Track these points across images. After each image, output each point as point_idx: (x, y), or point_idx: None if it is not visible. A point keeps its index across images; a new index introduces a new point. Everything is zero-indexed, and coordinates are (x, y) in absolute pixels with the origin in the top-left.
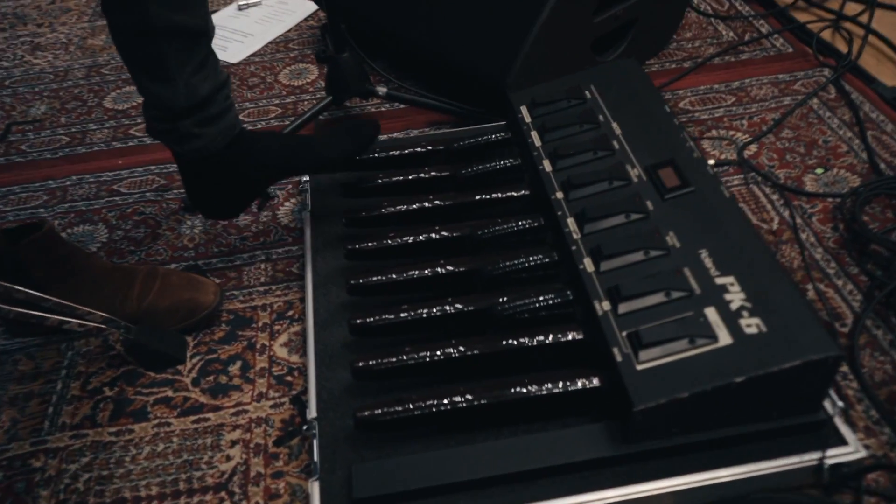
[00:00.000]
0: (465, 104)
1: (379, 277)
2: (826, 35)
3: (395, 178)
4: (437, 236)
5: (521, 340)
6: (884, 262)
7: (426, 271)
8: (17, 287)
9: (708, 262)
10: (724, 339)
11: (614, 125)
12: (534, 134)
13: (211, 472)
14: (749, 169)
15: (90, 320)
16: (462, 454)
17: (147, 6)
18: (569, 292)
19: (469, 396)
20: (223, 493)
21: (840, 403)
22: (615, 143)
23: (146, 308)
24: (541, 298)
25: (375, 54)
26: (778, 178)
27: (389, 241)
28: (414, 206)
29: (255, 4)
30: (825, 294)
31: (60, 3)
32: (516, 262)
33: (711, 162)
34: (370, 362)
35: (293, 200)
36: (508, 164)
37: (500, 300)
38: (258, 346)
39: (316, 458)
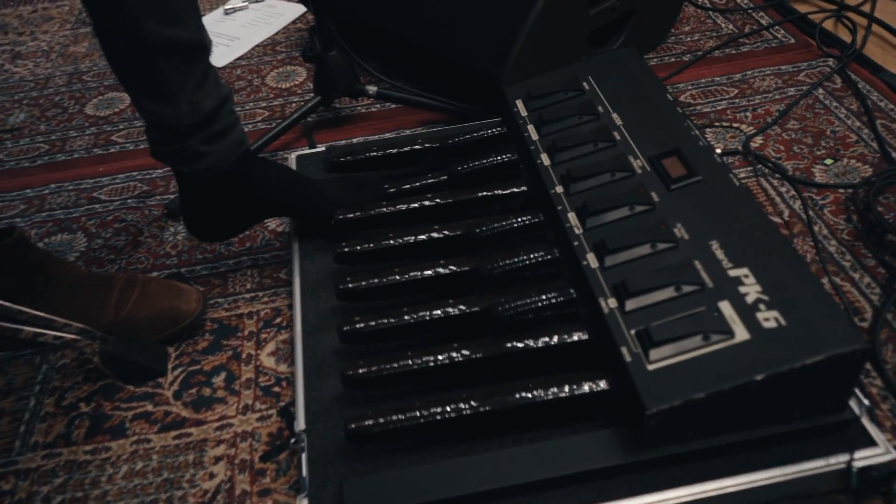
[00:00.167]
0: (459, 102)
1: (371, 280)
2: (828, 25)
3: (389, 189)
4: (432, 236)
5: (523, 343)
6: None
7: (422, 273)
8: None
9: (720, 254)
10: (741, 334)
11: (614, 115)
12: (530, 128)
13: (193, 490)
14: (756, 160)
15: (67, 332)
16: (462, 466)
17: (140, 23)
18: (572, 290)
19: (470, 403)
20: None
21: (866, 402)
22: (616, 134)
23: (124, 318)
24: (542, 298)
25: (365, 54)
26: (786, 169)
27: (382, 243)
28: (408, 207)
29: (241, 8)
30: (842, 288)
31: (42, 12)
32: (515, 260)
33: (719, 150)
34: (360, 370)
35: None
36: (505, 160)
37: (500, 301)
38: (244, 355)
39: (305, 473)
